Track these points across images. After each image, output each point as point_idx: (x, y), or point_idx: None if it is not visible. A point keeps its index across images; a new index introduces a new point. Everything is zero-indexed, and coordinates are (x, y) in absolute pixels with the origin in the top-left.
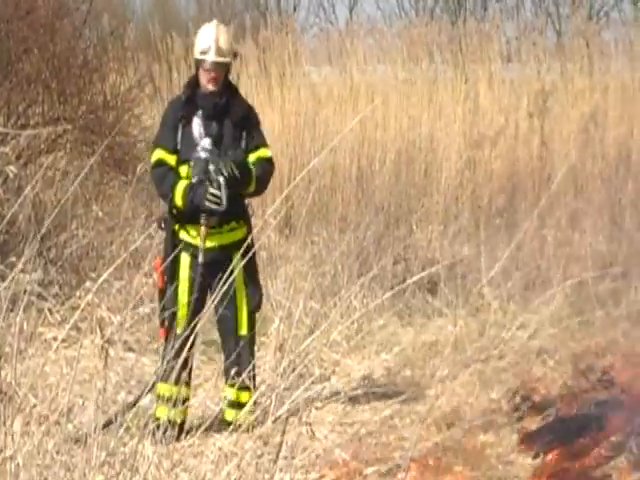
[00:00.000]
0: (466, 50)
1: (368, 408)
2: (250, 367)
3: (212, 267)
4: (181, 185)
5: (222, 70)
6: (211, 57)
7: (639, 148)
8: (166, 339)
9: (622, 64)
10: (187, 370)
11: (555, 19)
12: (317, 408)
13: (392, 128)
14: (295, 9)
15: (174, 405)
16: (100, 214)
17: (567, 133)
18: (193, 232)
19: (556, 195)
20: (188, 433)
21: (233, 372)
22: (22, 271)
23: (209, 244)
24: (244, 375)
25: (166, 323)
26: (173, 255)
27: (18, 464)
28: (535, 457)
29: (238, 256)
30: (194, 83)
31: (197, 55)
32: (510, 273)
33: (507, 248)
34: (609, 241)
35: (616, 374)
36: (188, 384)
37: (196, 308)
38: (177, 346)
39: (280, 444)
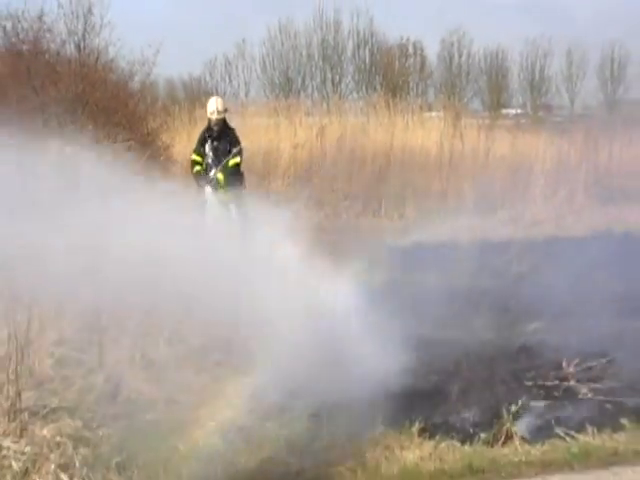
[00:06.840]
0: (293, 111)
1: None
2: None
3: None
4: (199, 167)
5: (220, 119)
6: (214, 115)
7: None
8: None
9: (354, 117)
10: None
11: (327, 99)
12: None
13: (258, 141)
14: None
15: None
16: None
17: (331, 144)
18: (207, 188)
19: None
20: None
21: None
22: None
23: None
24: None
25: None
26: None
27: None
28: None
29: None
30: (208, 124)
31: (209, 115)
32: None
33: None
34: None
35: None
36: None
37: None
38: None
39: None
